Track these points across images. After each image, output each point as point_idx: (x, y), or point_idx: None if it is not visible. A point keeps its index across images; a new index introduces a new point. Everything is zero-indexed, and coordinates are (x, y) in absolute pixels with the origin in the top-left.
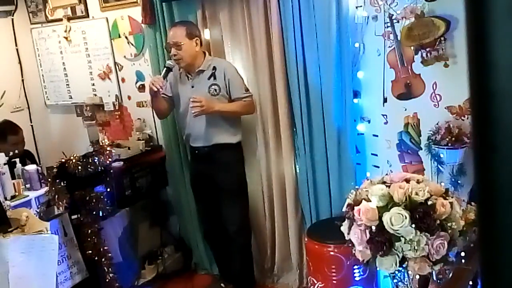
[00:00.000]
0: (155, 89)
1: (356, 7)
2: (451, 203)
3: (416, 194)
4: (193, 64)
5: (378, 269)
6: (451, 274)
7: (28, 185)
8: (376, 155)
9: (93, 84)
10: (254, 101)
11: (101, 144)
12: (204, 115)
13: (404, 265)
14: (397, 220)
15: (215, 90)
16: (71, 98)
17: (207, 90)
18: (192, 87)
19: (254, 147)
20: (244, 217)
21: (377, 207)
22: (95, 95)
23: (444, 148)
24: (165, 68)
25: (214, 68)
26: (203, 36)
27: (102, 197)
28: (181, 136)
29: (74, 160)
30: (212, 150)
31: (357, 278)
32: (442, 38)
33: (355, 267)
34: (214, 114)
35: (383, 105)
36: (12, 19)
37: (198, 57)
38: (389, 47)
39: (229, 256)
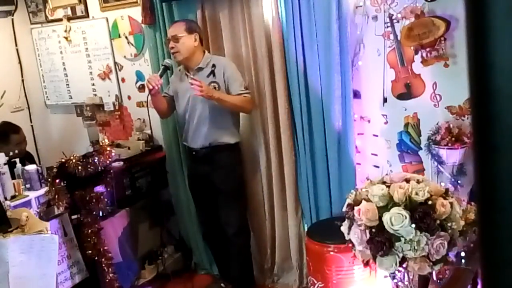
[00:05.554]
0: (151, 87)
1: (356, 7)
2: (451, 203)
3: (416, 194)
4: (191, 59)
5: (378, 269)
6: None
7: (28, 185)
8: (376, 155)
9: (93, 84)
10: (253, 99)
11: (101, 144)
12: (204, 115)
13: (404, 265)
14: (397, 220)
15: (215, 87)
16: (71, 98)
17: None
18: (191, 84)
19: (254, 147)
20: (243, 218)
21: (377, 207)
22: (95, 95)
23: (444, 148)
24: (162, 66)
25: (214, 65)
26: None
27: (102, 197)
28: (181, 136)
29: (74, 160)
30: (210, 151)
31: (357, 278)
32: (442, 38)
33: (355, 267)
34: (213, 100)
35: (383, 105)
36: (12, 19)
37: (196, 53)
38: (389, 47)
39: (228, 257)
